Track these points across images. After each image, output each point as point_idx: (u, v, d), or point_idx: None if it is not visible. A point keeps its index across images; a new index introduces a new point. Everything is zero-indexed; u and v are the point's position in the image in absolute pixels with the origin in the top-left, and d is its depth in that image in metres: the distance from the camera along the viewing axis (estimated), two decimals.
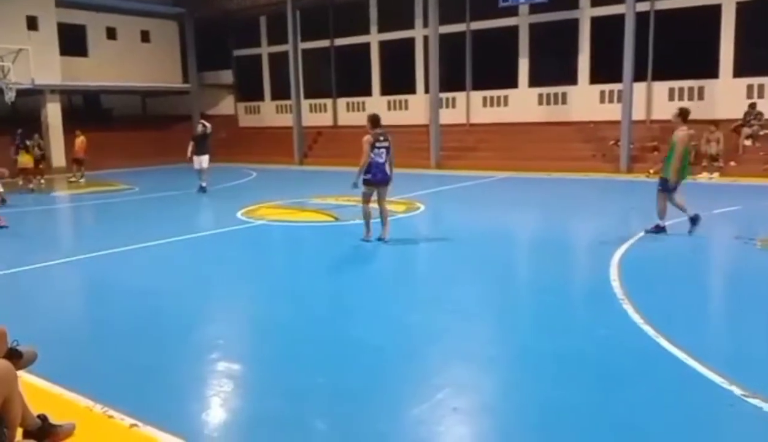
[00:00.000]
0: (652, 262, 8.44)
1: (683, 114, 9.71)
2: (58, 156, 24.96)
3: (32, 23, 24.17)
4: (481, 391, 4.65)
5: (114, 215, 14.22)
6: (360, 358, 5.23)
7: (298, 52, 25.77)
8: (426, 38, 22.89)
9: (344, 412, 4.25)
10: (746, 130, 17.89)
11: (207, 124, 17.03)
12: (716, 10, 19.06)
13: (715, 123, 17.86)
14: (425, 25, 23.05)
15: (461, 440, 3.93)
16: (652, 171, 17.77)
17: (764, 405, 4.08)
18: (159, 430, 3.95)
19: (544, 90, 22.44)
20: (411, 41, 25.16)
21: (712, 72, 19.41)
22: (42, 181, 19.76)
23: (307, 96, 27.53)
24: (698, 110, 19.35)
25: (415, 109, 24.81)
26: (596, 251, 9.08)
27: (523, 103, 22.79)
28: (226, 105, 31.92)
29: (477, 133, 23.17)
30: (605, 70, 20.54)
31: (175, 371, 5.00)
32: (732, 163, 17.54)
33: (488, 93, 23.64)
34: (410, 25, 25.05)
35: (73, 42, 26.23)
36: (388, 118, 25.11)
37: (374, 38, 26.27)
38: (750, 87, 18.62)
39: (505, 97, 23.35)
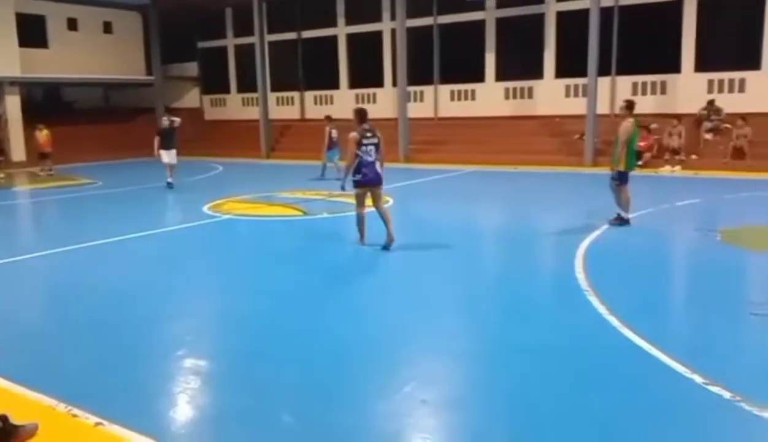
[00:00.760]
0: (616, 254, 8.59)
1: (630, 106, 9.97)
2: (18, 150, 24.33)
3: None
4: (449, 383, 4.68)
5: (76, 211, 13.94)
6: (328, 352, 5.22)
7: (265, 44, 25.52)
8: (393, 31, 22.86)
9: (313, 406, 4.24)
10: (706, 124, 18.28)
11: (175, 118, 16.67)
12: (678, 6, 19.42)
13: (677, 117, 18.22)
14: (393, 18, 23.00)
15: (430, 432, 3.96)
16: None
17: (724, 393, 4.20)
18: (125, 428, 3.89)
19: (511, 84, 22.61)
20: (378, 34, 25.12)
21: (674, 67, 19.78)
22: (1, 175, 19.25)
23: (274, 89, 27.29)
24: (661, 104, 19.82)
25: (383, 102, 24.78)
26: (561, 244, 9.20)
27: (490, 97, 22.94)
28: (191, 98, 31.47)
29: (445, 127, 23.26)
30: (570, 65, 20.77)
31: (141, 369, 4.93)
32: (693, 157, 17.91)
33: (456, 87, 23.75)
34: (377, 18, 25.00)
35: (32, 33, 25.53)
36: None
37: (342, 31, 26.15)
38: (711, 82, 19.03)
39: (473, 91, 23.48)
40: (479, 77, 23.18)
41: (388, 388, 4.48)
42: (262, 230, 11.31)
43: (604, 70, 19.68)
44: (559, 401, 4.27)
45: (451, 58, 23.61)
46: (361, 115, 8.61)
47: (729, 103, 18.41)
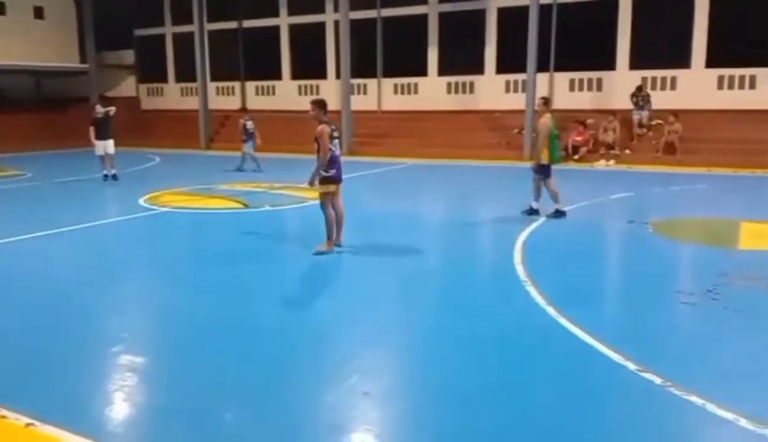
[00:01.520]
0: (554, 245, 8.80)
1: (547, 102, 10.41)
2: None
3: None
4: (391, 375, 4.71)
5: (2, 204, 13.32)
6: (269, 346, 5.17)
7: (204, 33, 24.94)
8: (337, 23, 22.75)
9: (254, 401, 4.19)
10: (635, 117, 18.89)
11: (110, 107, 15.94)
12: (614, 5, 20.01)
13: (612, 113, 18.81)
14: (336, 9, 22.87)
15: (373, 424, 3.97)
16: None
17: (655, 379, 4.36)
18: (58, 429, 3.76)
19: (453, 79, 22.84)
20: (321, 25, 24.93)
21: (609, 64, 20.38)
22: None
23: (214, 79, 26.77)
24: (596, 100, 20.40)
25: (326, 94, 24.48)
26: (501, 236, 9.36)
27: (432, 91, 23.11)
28: (127, 87, 30.52)
29: (388, 120, 23.31)
30: (510, 61, 21.12)
31: (75, 367, 4.77)
32: (627, 151, 18.52)
33: (399, 80, 23.82)
34: (320, 9, 24.81)
35: None
36: (298, 103, 25.01)
37: (284, 21, 25.84)
38: (644, 79, 19.66)
39: (416, 85, 23.61)
40: (422, 71, 23.32)
41: (331, 381, 4.47)
42: (201, 222, 11.07)
43: (542, 67, 20.11)
44: (495, 389, 4.35)
45: (394, 52, 23.66)
46: (324, 106, 7.97)
47: (661, 100, 19.11)
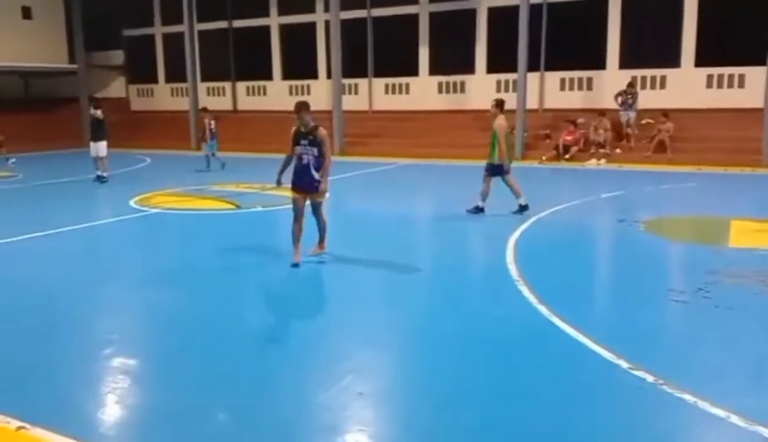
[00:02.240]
0: (546, 244, 8.83)
1: (500, 104, 10.68)
2: None
3: None
4: (386, 375, 4.71)
5: None
6: (262, 347, 5.16)
7: (194, 33, 24.84)
8: (327, 23, 22.71)
9: (247, 402, 4.18)
10: (623, 115, 18.91)
11: (95, 110, 15.62)
12: (604, 4, 20.08)
13: (602, 112, 18.85)
14: (327, 9, 22.83)
15: (367, 424, 3.96)
16: (544, 158, 18.59)
17: (648, 376, 4.38)
18: (50, 432, 3.74)
19: (444, 79, 22.85)
20: (312, 25, 24.88)
21: (599, 64, 20.45)
22: None
23: (205, 79, 26.66)
24: (587, 100, 20.46)
25: (317, 94, 24.56)
26: (494, 236, 9.37)
27: (423, 91, 23.11)
28: (117, 87, 30.35)
29: (379, 120, 23.28)
30: (501, 61, 21.15)
31: (67, 370, 4.74)
32: (618, 151, 18.58)
33: (390, 80, 23.81)
34: (311, 9, 24.75)
35: None
36: (289, 102, 24.83)
37: (274, 21, 25.77)
38: (634, 78, 19.73)
39: (407, 85, 23.61)
40: (413, 71, 23.32)
41: (324, 381, 4.46)
42: (192, 224, 11.03)
43: (533, 67, 20.16)
44: (488, 388, 4.36)
45: (385, 52, 23.65)
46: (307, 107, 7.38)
47: (651, 99, 19.18)
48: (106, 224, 10.79)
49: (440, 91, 22.95)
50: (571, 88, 20.86)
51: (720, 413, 3.89)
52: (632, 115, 18.85)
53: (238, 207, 12.01)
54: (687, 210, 11.47)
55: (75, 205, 12.93)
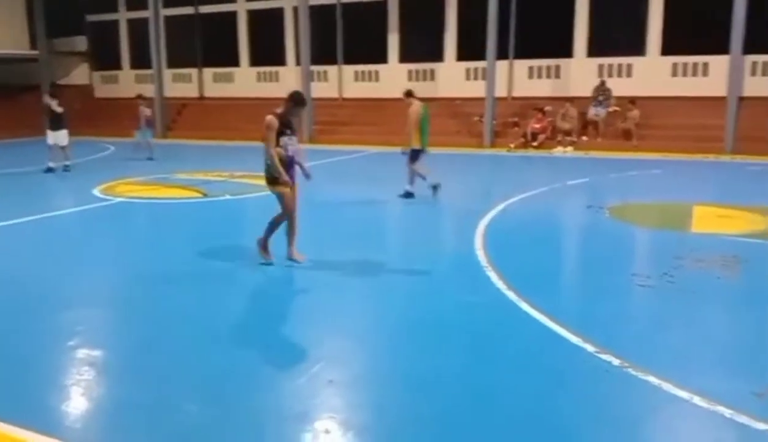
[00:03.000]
0: (514, 231, 8.91)
1: (409, 94, 11.16)
2: None
3: None
4: (355, 363, 4.70)
5: None
6: (231, 335, 5.11)
7: (160, 18, 24.38)
8: (296, 9, 22.48)
9: (216, 392, 4.14)
10: (591, 111, 19.10)
11: (51, 100, 15.03)
12: None
13: (570, 100, 19.05)
14: None
15: (337, 412, 3.95)
16: (512, 145, 18.72)
17: (614, 360, 4.45)
18: (14, 426, 3.66)
19: (414, 66, 22.81)
20: (280, 11, 24.60)
21: (567, 52, 20.61)
22: None
23: (171, 65, 26.20)
24: (555, 88, 20.63)
25: (285, 81, 24.31)
26: (462, 223, 9.42)
27: (393, 78, 22.99)
28: (80, 74, 29.65)
29: (349, 108, 23.18)
30: (470, 49, 21.20)
31: (31, 363, 4.63)
32: (584, 138, 18.80)
33: (359, 67, 23.69)
34: None
35: None
36: (257, 90, 24.72)
37: (242, 6, 25.42)
38: (601, 66, 19.99)
39: (376, 72, 23.52)
40: (382, 58, 23.24)
41: (295, 369, 4.44)
42: (159, 213, 10.86)
43: (502, 55, 20.25)
44: (457, 374, 4.39)
45: (354, 39, 23.50)
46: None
47: (618, 87, 19.41)
48: (69, 213, 10.56)
49: (410, 78, 22.87)
50: (540, 76, 21.01)
51: (683, 394, 3.97)
52: (602, 112, 19.01)
53: (205, 195, 11.85)
54: (652, 196, 11.66)
55: (37, 194, 12.62)
